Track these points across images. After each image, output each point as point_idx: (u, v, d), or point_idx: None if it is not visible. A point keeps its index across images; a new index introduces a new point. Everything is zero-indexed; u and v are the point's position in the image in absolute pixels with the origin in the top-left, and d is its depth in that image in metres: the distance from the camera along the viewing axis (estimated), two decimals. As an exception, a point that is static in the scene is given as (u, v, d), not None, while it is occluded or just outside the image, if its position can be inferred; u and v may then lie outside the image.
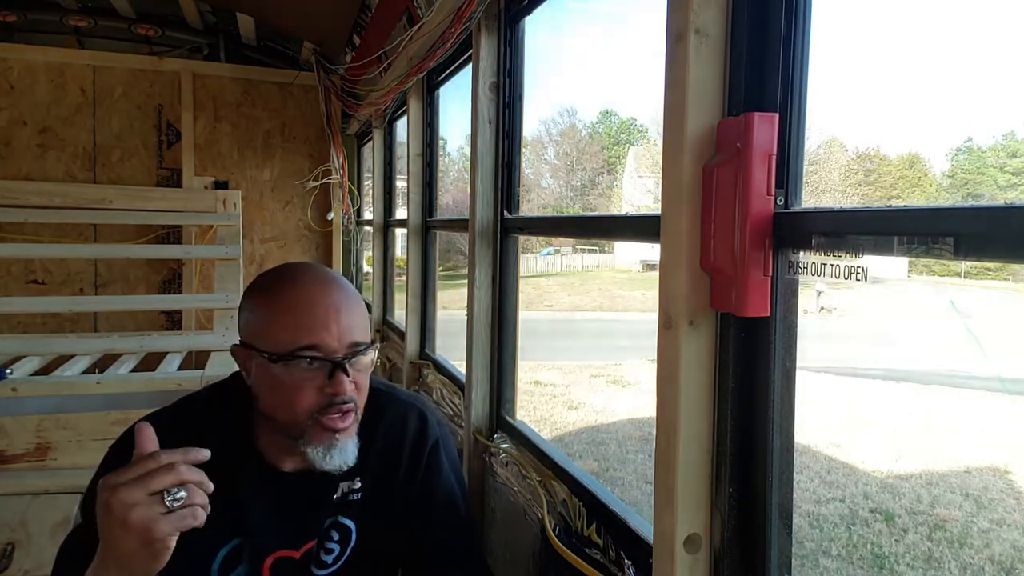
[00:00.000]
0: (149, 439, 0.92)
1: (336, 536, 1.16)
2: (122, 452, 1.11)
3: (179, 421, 1.13)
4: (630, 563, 1.14)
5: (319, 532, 1.15)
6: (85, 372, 3.11)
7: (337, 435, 1.04)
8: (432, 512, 1.20)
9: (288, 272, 1.09)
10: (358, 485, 1.17)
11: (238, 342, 1.10)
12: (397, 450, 1.20)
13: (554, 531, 1.36)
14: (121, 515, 0.84)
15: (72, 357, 3.28)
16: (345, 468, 1.06)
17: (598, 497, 1.29)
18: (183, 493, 0.87)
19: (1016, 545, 5.30)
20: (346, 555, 1.16)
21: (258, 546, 1.11)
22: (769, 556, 0.86)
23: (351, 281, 4.47)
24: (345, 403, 1.04)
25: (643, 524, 1.16)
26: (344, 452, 1.05)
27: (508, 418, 1.79)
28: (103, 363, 3.38)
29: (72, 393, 2.73)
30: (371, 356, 1.08)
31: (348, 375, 1.03)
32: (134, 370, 3.17)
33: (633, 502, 5.68)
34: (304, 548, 1.14)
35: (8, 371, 2.82)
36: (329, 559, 1.15)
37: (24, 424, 2.62)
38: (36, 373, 3.06)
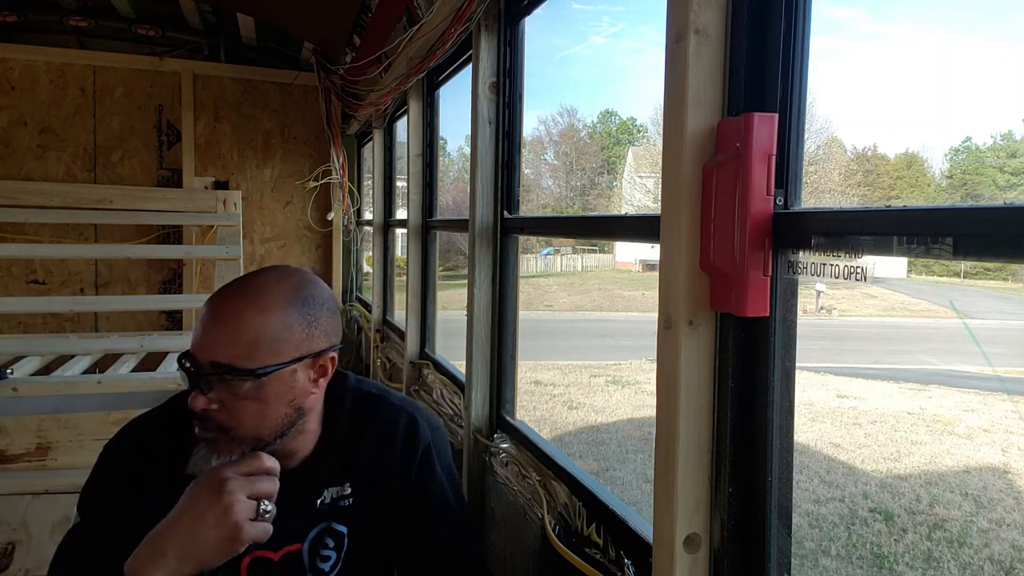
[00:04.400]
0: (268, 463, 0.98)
1: (331, 543, 1.15)
2: (117, 452, 1.12)
3: (166, 421, 1.13)
4: (630, 563, 1.14)
5: (302, 537, 1.14)
6: (86, 372, 3.11)
7: (201, 443, 1.02)
8: (427, 519, 1.18)
9: (234, 280, 1.09)
10: (348, 491, 1.16)
11: None
12: (386, 455, 1.18)
13: (554, 531, 1.36)
14: (228, 503, 0.91)
15: (73, 357, 3.28)
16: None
17: (598, 497, 1.29)
18: (272, 508, 0.93)
19: (1015, 545, 5.30)
20: (342, 560, 1.16)
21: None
22: (769, 556, 0.87)
23: (351, 282, 4.49)
24: (198, 418, 1.01)
25: (643, 524, 1.16)
26: (201, 463, 1.01)
27: (508, 418, 1.80)
28: (104, 363, 3.38)
29: (72, 393, 2.73)
30: (243, 383, 0.99)
31: (204, 392, 0.99)
32: (134, 370, 3.17)
33: (633, 502, 5.68)
34: (284, 551, 1.13)
35: (9, 371, 2.82)
36: (326, 566, 1.15)
37: (24, 424, 2.62)
38: (37, 373, 3.06)
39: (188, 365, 1.00)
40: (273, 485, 0.94)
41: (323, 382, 1.09)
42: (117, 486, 1.09)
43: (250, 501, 0.92)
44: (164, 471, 1.06)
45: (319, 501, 1.14)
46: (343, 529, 1.16)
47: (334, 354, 1.09)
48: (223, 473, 0.93)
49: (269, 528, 0.93)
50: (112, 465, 1.11)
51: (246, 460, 0.95)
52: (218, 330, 1.00)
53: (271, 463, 0.97)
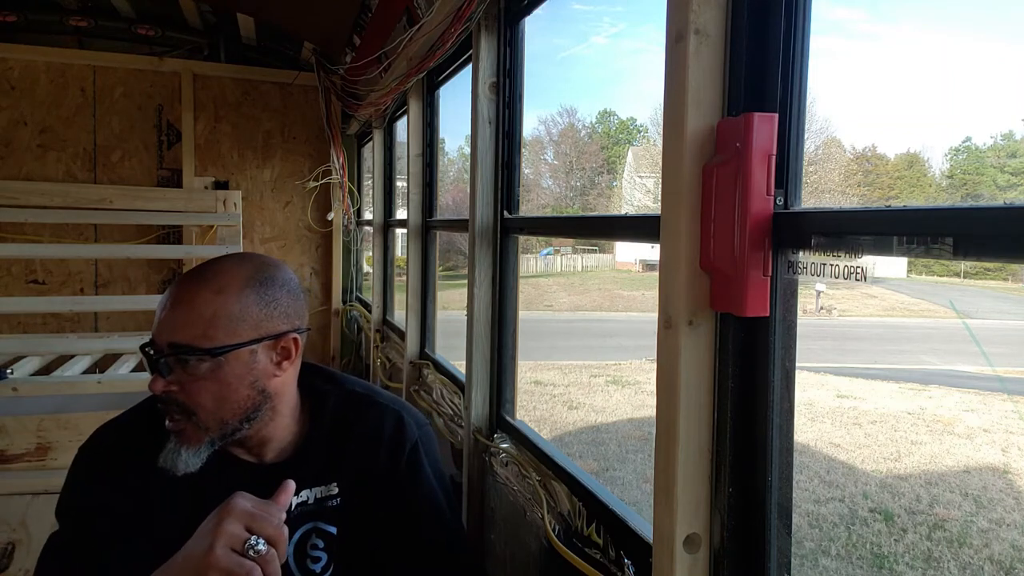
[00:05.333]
0: (288, 493, 0.96)
1: (321, 543, 1.14)
2: (91, 455, 1.11)
3: (141, 420, 1.12)
4: (630, 563, 1.14)
5: (309, 542, 1.13)
6: (86, 372, 3.11)
7: (170, 435, 1.02)
8: (416, 521, 1.17)
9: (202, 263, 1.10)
10: (335, 491, 1.15)
11: None
12: (373, 454, 1.17)
13: (554, 531, 1.36)
14: (220, 520, 0.88)
15: (72, 357, 3.28)
16: (174, 473, 1.01)
17: (598, 497, 1.29)
18: (263, 548, 0.89)
19: (1015, 545, 5.30)
20: (333, 561, 1.15)
21: None
22: (769, 556, 0.87)
23: (351, 282, 4.49)
24: (160, 403, 1.01)
25: (643, 524, 1.16)
26: (172, 456, 1.01)
27: (508, 418, 1.79)
28: (104, 363, 3.38)
29: (72, 393, 2.73)
30: (203, 362, 0.99)
31: (163, 374, 0.99)
32: (134, 370, 3.17)
33: (633, 502, 5.68)
34: None
35: (9, 371, 2.82)
36: (317, 567, 1.14)
37: (24, 424, 2.62)
38: (37, 373, 3.06)
39: (149, 350, 1.01)
40: (275, 530, 0.89)
41: (287, 365, 1.08)
42: (94, 489, 1.07)
43: (241, 531, 0.88)
44: (141, 470, 1.05)
45: (294, 502, 1.12)
46: (332, 530, 1.15)
47: (297, 336, 1.08)
48: (236, 497, 0.91)
49: (247, 564, 0.87)
50: (88, 468, 1.10)
51: (269, 503, 0.92)
52: (175, 312, 1.00)
53: (285, 493, 0.94)
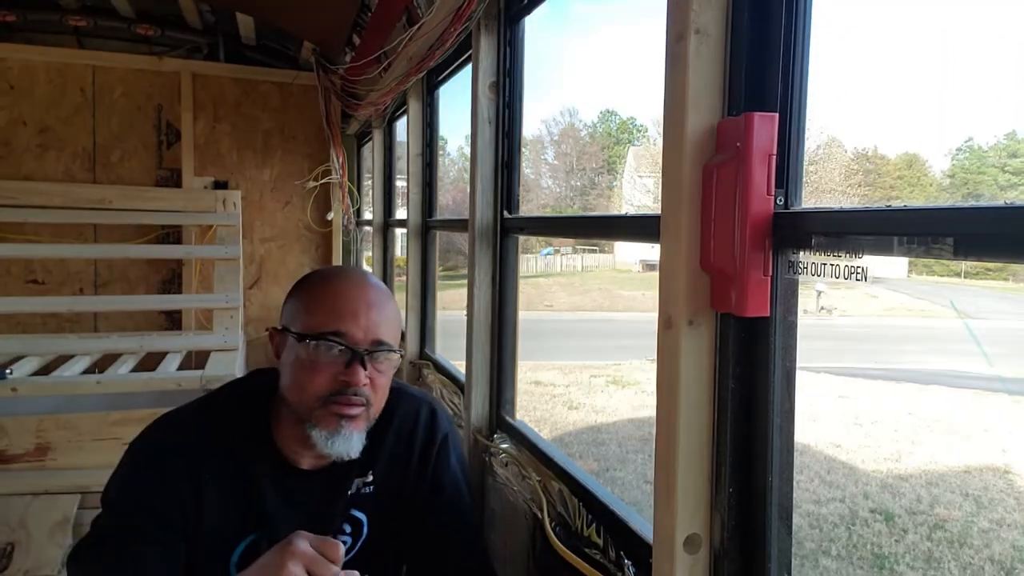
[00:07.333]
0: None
1: (348, 529, 1.18)
2: (148, 448, 1.13)
3: (200, 417, 1.15)
4: (630, 563, 1.14)
5: (330, 527, 1.16)
6: (85, 372, 3.10)
7: (343, 421, 1.06)
8: (439, 502, 1.22)
9: (336, 269, 1.18)
10: (370, 479, 1.19)
11: (278, 327, 1.15)
12: (408, 444, 1.23)
13: (554, 531, 1.36)
14: (284, 562, 0.90)
15: (72, 357, 3.27)
16: (347, 458, 1.08)
17: (598, 497, 1.30)
18: None
19: (1016, 545, 5.30)
20: (358, 547, 1.19)
21: (275, 542, 1.12)
22: (769, 556, 0.86)
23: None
24: (355, 394, 1.06)
25: (643, 524, 1.16)
26: (348, 441, 1.06)
27: (508, 418, 1.79)
28: (103, 363, 3.37)
29: (72, 393, 2.73)
30: (395, 359, 1.12)
31: (365, 368, 1.06)
32: (134, 370, 3.16)
33: (633, 502, 5.68)
34: None
35: (8, 371, 2.82)
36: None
37: (24, 424, 2.62)
38: (36, 373, 3.05)
39: (341, 342, 1.06)
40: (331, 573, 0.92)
41: None
42: (138, 487, 1.10)
43: (303, 574, 0.90)
44: (189, 470, 1.08)
45: (349, 492, 1.18)
46: (362, 516, 1.19)
47: None
48: (297, 538, 0.93)
49: None
50: (136, 463, 1.12)
51: (327, 541, 0.94)
52: (376, 313, 1.10)
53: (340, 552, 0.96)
